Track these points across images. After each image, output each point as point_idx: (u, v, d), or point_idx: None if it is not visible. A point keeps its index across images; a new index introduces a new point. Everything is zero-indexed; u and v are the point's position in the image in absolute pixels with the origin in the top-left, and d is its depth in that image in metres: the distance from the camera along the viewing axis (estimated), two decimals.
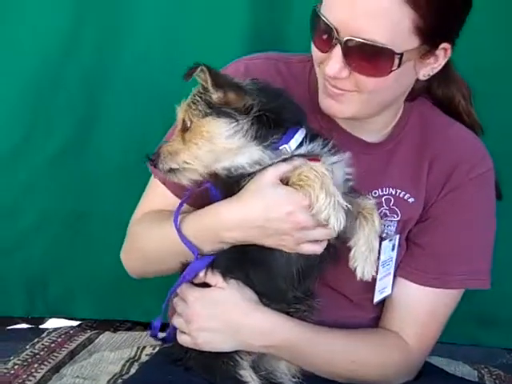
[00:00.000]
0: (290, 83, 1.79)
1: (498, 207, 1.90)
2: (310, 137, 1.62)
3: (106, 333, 2.59)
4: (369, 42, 1.54)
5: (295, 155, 1.58)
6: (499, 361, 2.77)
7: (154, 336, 1.78)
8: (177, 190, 1.79)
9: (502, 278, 2.74)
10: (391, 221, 1.78)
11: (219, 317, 1.65)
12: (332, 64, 1.59)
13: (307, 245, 1.58)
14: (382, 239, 1.73)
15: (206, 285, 1.69)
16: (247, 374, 1.66)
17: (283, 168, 1.56)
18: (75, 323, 2.83)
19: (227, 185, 1.63)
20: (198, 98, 1.58)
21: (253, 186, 1.57)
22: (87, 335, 2.54)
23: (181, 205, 1.69)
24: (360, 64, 1.58)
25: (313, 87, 1.77)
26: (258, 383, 1.66)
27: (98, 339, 2.52)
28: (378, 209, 1.71)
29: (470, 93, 1.89)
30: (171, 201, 1.79)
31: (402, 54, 1.56)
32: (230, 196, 1.61)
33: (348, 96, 1.64)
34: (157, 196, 1.87)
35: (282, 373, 1.76)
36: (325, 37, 1.59)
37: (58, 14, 2.56)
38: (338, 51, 1.58)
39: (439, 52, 1.65)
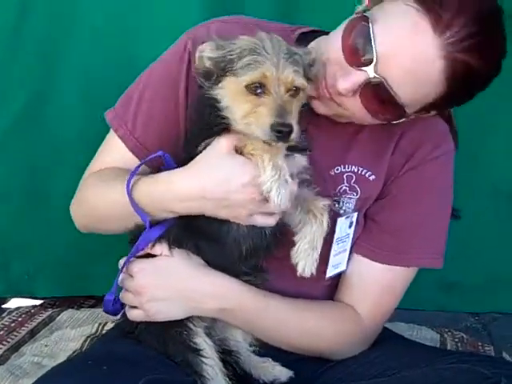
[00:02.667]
0: None
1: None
2: None
3: (69, 310, 2.58)
4: (394, 96, 1.52)
5: None
6: (463, 324, 2.81)
7: (107, 311, 1.73)
8: (135, 148, 1.77)
9: (466, 245, 2.80)
10: (350, 198, 1.77)
11: (169, 285, 1.63)
12: (348, 83, 1.54)
13: (259, 217, 1.56)
14: (338, 215, 1.72)
15: (149, 256, 1.66)
16: (201, 340, 1.64)
17: (236, 138, 1.53)
18: (38, 302, 2.80)
19: (187, 150, 1.60)
20: (300, 62, 1.52)
21: (207, 155, 1.54)
22: (48, 313, 2.53)
23: (133, 173, 1.64)
24: (371, 102, 1.56)
25: None
26: (213, 349, 1.65)
27: (59, 317, 2.51)
28: (339, 185, 1.72)
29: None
30: (128, 158, 1.76)
31: (406, 112, 1.59)
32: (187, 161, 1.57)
33: (331, 103, 1.62)
34: (114, 152, 1.82)
35: (236, 340, 1.76)
36: (361, 54, 1.53)
37: None
38: (361, 77, 1.53)
39: (428, 114, 1.67)
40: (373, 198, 1.79)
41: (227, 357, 1.72)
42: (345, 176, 1.77)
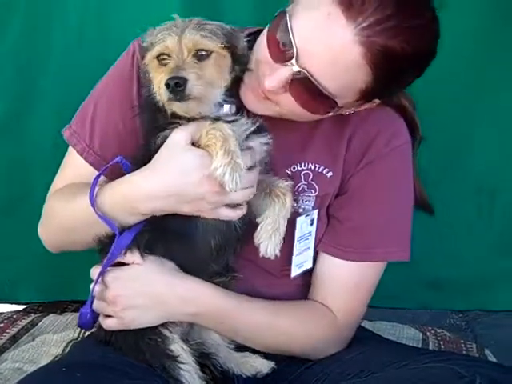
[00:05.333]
0: None
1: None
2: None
3: (51, 315, 2.56)
4: (320, 87, 1.53)
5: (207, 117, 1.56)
6: (447, 322, 2.81)
7: (81, 325, 1.71)
8: (95, 161, 1.78)
9: (447, 242, 2.81)
10: (309, 196, 1.77)
11: (142, 292, 1.63)
12: (274, 80, 1.55)
13: (223, 209, 1.56)
14: (298, 215, 1.72)
15: (120, 264, 1.66)
16: (177, 347, 1.64)
17: (191, 129, 1.53)
18: (21, 307, 2.78)
19: (145, 146, 1.61)
20: (218, 32, 1.56)
21: (165, 151, 1.54)
22: (30, 319, 2.51)
23: (95, 180, 1.64)
24: (301, 96, 1.57)
25: None
26: (189, 354, 1.64)
27: (41, 322, 2.49)
28: (297, 184, 1.71)
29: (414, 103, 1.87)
30: (89, 172, 1.75)
31: (340, 106, 1.58)
32: (146, 159, 1.58)
33: (269, 103, 1.63)
34: (75, 167, 1.82)
35: (214, 341, 1.76)
36: (282, 49, 1.54)
37: None
38: (286, 72, 1.54)
39: (370, 103, 1.66)
40: (331, 195, 1.79)
41: (205, 360, 1.72)
42: (302, 174, 1.77)
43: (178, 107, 1.54)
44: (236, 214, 1.58)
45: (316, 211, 1.76)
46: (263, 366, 1.76)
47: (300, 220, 1.73)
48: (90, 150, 1.79)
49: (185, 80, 1.49)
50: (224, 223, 1.61)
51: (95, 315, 1.70)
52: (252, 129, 1.61)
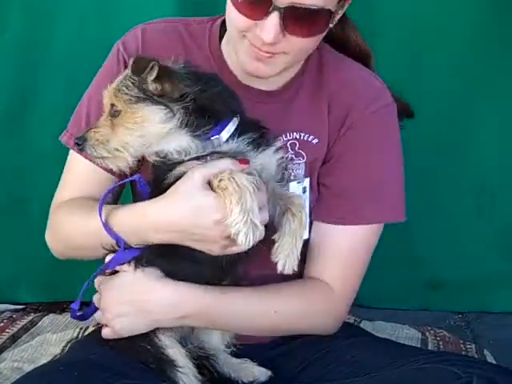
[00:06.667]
0: (190, 45, 1.80)
1: None
2: (242, 128, 1.59)
3: (50, 315, 2.57)
4: (310, 7, 1.54)
5: (224, 152, 1.55)
6: (446, 322, 2.81)
7: (74, 317, 1.74)
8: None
9: (447, 243, 2.82)
10: (298, 164, 1.78)
11: (127, 300, 1.63)
12: (269, 31, 1.56)
13: (233, 248, 1.56)
14: (289, 181, 1.74)
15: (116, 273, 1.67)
16: (174, 352, 1.63)
17: (210, 171, 1.53)
18: (21, 307, 2.78)
19: (156, 176, 1.60)
20: (130, 84, 1.55)
21: (181, 186, 1.54)
22: (30, 318, 2.53)
23: (105, 197, 1.65)
24: (299, 27, 1.58)
25: (214, 47, 1.79)
26: (186, 357, 1.63)
27: (40, 322, 2.51)
28: (285, 153, 1.71)
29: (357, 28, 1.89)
30: (91, 170, 1.76)
31: (333, 12, 1.61)
32: (158, 188, 1.58)
33: (275, 57, 1.64)
34: (77, 169, 1.82)
35: (212, 345, 1.75)
36: (257, 4, 1.56)
37: None
38: (274, 18, 1.55)
39: (346, 1, 1.69)
40: (320, 161, 1.80)
41: (204, 361, 1.71)
42: (288, 144, 1.78)
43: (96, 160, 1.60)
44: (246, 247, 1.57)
45: (307, 179, 1.77)
46: (261, 373, 1.76)
47: (292, 186, 1.73)
48: None
49: (84, 139, 1.56)
50: None
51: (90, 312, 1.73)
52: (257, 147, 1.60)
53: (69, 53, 2.61)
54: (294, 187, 1.74)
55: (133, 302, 1.63)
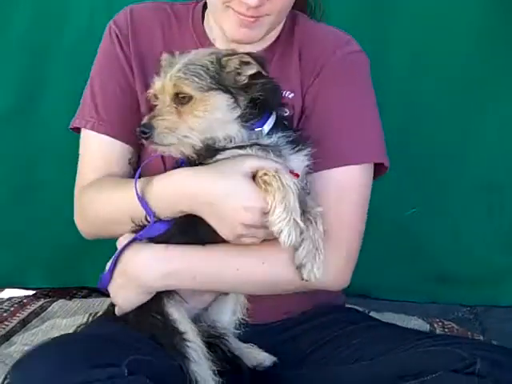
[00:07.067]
0: (174, 22, 1.91)
1: None
2: (278, 123, 1.64)
3: (60, 301, 2.59)
4: None
5: (265, 145, 1.59)
6: (455, 315, 2.81)
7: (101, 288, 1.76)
8: (108, 130, 1.85)
9: (456, 236, 2.82)
10: None
11: (120, 272, 1.68)
12: None
13: (248, 239, 1.60)
14: None
15: None
16: (185, 326, 1.63)
17: (261, 164, 1.56)
18: (31, 292, 2.81)
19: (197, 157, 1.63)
20: (202, 73, 1.57)
21: (227, 167, 1.57)
22: (40, 303, 2.54)
23: (140, 170, 1.69)
24: None
25: (196, 24, 1.90)
26: (195, 333, 1.64)
27: (50, 307, 2.52)
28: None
29: None
30: (106, 144, 1.84)
31: None
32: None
33: (260, 20, 1.72)
34: (91, 146, 1.88)
35: (224, 325, 1.77)
36: None
37: None
38: None
39: None
40: (298, 114, 1.82)
41: (216, 340, 1.72)
42: None
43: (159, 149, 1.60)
44: (257, 241, 1.61)
45: None
46: (266, 358, 1.77)
47: None
48: (99, 122, 1.85)
49: (152, 127, 1.55)
50: None
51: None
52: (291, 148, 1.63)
53: (78, 45, 2.62)
54: None
55: (123, 272, 1.67)
